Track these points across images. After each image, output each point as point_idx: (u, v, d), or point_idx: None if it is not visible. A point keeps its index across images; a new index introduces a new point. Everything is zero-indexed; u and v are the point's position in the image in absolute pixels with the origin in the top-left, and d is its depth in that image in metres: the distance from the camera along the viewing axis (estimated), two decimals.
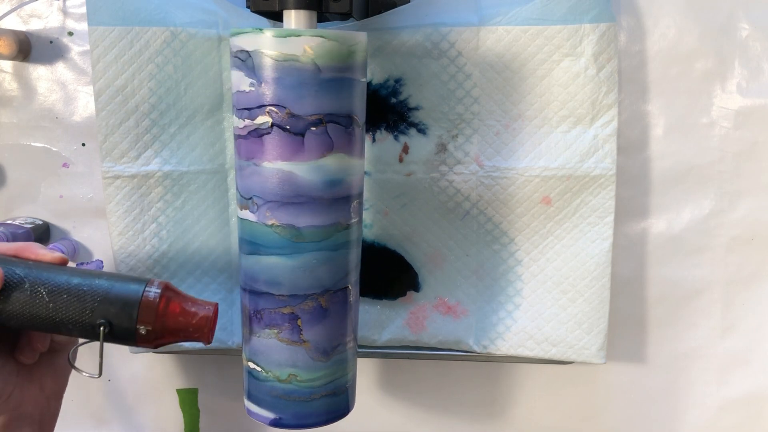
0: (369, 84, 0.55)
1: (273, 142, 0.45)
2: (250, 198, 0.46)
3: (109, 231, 0.57)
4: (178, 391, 0.65)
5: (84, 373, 0.45)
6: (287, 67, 0.44)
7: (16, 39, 0.56)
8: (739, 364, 0.61)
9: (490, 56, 0.54)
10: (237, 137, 0.47)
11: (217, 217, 0.58)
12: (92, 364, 0.48)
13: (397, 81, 0.55)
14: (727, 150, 0.58)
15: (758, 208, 0.58)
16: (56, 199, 0.60)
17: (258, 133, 0.45)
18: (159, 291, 0.43)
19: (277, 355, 0.48)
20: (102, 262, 0.61)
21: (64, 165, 0.60)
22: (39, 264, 0.43)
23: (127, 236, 0.57)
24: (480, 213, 0.57)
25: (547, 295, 0.58)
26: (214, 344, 0.59)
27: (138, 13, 0.53)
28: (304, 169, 0.45)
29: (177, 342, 0.44)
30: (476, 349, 0.59)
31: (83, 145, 0.60)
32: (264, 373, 0.49)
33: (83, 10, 0.56)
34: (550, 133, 0.55)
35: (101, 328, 0.42)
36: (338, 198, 0.47)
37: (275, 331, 0.48)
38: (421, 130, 0.56)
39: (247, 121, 0.45)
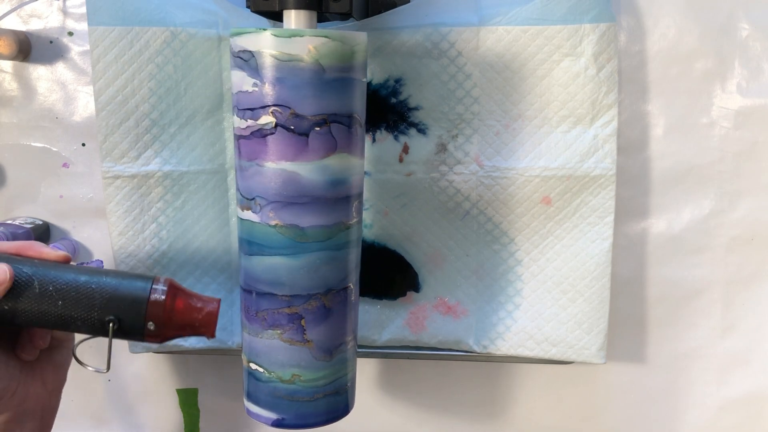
0: (369, 84, 0.55)
1: (277, 142, 0.45)
2: (253, 198, 0.46)
3: (109, 231, 0.57)
4: (178, 391, 0.65)
5: (90, 368, 0.46)
6: (291, 68, 0.44)
7: (16, 39, 0.56)
8: (739, 364, 0.61)
9: (490, 56, 0.54)
10: (238, 138, 0.47)
11: (217, 217, 0.58)
12: (92, 359, 0.48)
13: (397, 81, 0.55)
14: (727, 150, 0.58)
15: (758, 208, 0.58)
16: (56, 199, 0.60)
17: (261, 134, 0.45)
18: (165, 288, 0.44)
19: (281, 355, 0.48)
20: (102, 261, 0.61)
21: (64, 165, 0.60)
22: (44, 262, 0.44)
23: (127, 236, 0.57)
24: (480, 213, 0.57)
25: (547, 295, 0.58)
26: (214, 344, 0.59)
27: (138, 13, 0.53)
28: (308, 169, 0.45)
29: (183, 336, 0.45)
30: (476, 349, 0.59)
31: (83, 145, 0.60)
32: (267, 374, 0.49)
33: (83, 10, 0.56)
34: (550, 133, 0.55)
35: (110, 325, 0.42)
36: (341, 198, 0.47)
37: (278, 331, 0.48)
38: (421, 130, 0.56)
39: (250, 122, 0.45)
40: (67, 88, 0.59)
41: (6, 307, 0.42)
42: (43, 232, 0.60)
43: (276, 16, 0.48)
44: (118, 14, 0.53)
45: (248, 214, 0.47)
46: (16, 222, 0.59)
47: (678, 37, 0.56)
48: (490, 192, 0.56)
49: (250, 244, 0.47)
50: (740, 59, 0.56)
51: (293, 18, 0.46)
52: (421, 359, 0.62)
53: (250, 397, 0.51)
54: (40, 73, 0.59)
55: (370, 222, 0.58)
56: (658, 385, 0.63)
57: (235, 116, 0.46)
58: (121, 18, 0.53)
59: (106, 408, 0.65)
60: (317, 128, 0.45)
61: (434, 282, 0.59)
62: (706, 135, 0.57)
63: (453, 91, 0.55)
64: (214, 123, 0.56)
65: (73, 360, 0.47)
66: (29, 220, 0.60)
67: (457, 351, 0.60)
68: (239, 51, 0.45)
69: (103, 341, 0.43)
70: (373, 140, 0.56)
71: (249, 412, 0.51)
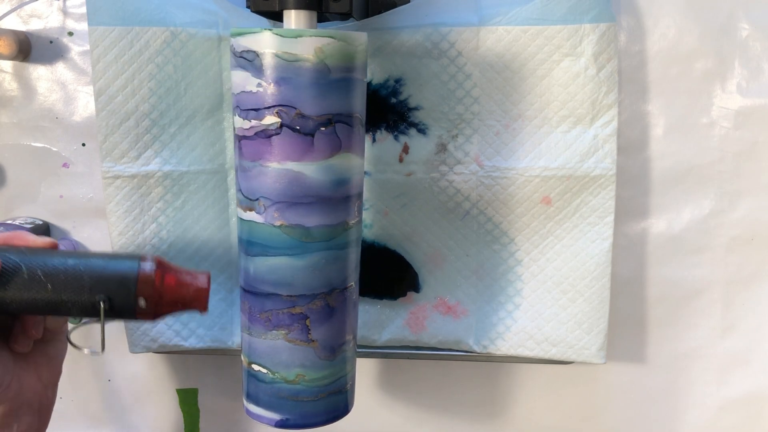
0: (369, 84, 0.55)
1: (282, 142, 0.45)
2: (256, 199, 0.46)
3: (109, 231, 0.57)
4: (178, 391, 0.65)
5: (85, 350, 0.46)
6: (297, 68, 0.44)
7: (16, 39, 0.56)
8: (739, 364, 0.61)
9: (490, 56, 0.54)
10: (241, 138, 0.46)
11: (217, 217, 0.58)
12: (87, 359, 0.48)
13: (397, 81, 0.55)
14: (727, 150, 0.58)
15: (758, 208, 0.58)
16: (56, 199, 0.60)
17: (266, 134, 0.45)
18: (154, 264, 0.44)
19: (285, 356, 0.48)
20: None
21: (64, 165, 0.60)
22: (31, 249, 0.44)
23: (127, 236, 0.57)
24: (480, 213, 0.57)
25: (547, 295, 0.58)
26: (214, 344, 0.59)
27: (138, 13, 0.53)
28: (313, 169, 0.45)
29: (174, 312, 0.45)
30: (476, 349, 0.59)
31: (83, 145, 0.60)
32: (270, 375, 0.49)
33: (83, 10, 0.56)
34: (550, 133, 0.55)
35: (101, 304, 0.42)
36: (345, 197, 0.47)
37: (283, 332, 0.48)
38: (421, 130, 0.56)
39: (254, 122, 0.45)
40: (67, 88, 0.59)
41: None
42: (43, 232, 0.60)
43: (276, 16, 0.48)
44: (118, 14, 0.53)
45: (251, 215, 0.47)
46: (16, 222, 0.59)
47: (678, 37, 0.56)
48: (490, 192, 0.56)
49: (253, 244, 0.47)
50: (740, 59, 0.56)
51: (293, 18, 0.46)
52: (421, 359, 0.62)
53: (252, 399, 0.50)
54: (40, 73, 0.59)
55: (370, 222, 0.58)
56: (658, 385, 0.63)
57: (237, 116, 0.46)
58: (121, 18, 0.53)
59: (105, 408, 0.65)
60: (322, 128, 0.45)
61: (434, 282, 0.59)
62: (706, 135, 0.57)
63: (453, 91, 0.55)
64: (214, 123, 0.56)
65: (69, 358, 0.47)
66: (29, 220, 0.60)
67: (457, 351, 0.60)
68: (242, 51, 0.45)
69: (96, 333, 0.43)
70: (373, 140, 0.56)
71: (250, 413, 0.51)
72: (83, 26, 0.57)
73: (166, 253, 0.57)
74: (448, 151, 0.56)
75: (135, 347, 0.59)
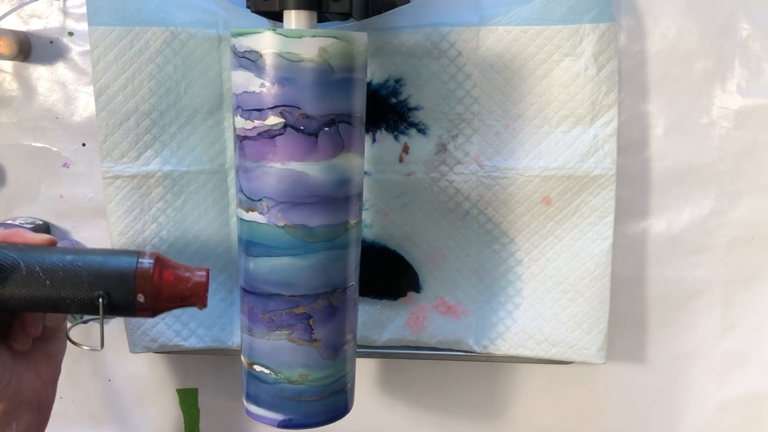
0: (369, 84, 0.55)
1: (285, 142, 0.45)
2: (259, 200, 0.46)
3: (109, 231, 0.57)
4: (178, 391, 0.65)
5: (85, 347, 0.46)
6: (302, 68, 0.44)
7: (16, 39, 0.56)
8: (739, 364, 0.61)
9: (490, 56, 0.54)
10: (243, 138, 0.46)
11: (217, 218, 0.58)
12: (86, 358, 0.48)
13: (397, 81, 0.55)
14: (727, 150, 0.58)
15: (758, 208, 0.58)
16: (56, 199, 0.60)
17: (269, 134, 0.45)
18: (152, 260, 0.44)
19: (288, 356, 0.48)
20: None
21: (64, 165, 0.60)
22: (30, 246, 0.43)
23: (128, 236, 0.57)
24: (480, 213, 0.57)
25: (547, 295, 0.58)
26: (214, 344, 0.59)
27: (138, 13, 0.53)
28: (317, 169, 0.45)
29: (174, 308, 0.45)
30: (476, 349, 0.59)
31: (83, 145, 0.60)
32: (273, 376, 0.49)
33: (83, 10, 0.56)
34: (550, 133, 0.55)
35: (100, 300, 0.42)
36: (346, 197, 0.47)
37: (286, 332, 0.48)
38: (421, 130, 0.56)
39: (257, 122, 0.45)
40: (67, 88, 0.59)
41: None
42: (43, 232, 0.60)
43: (276, 17, 0.48)
44: (118, 14, 0.53)
45: (253, 216, 0.47)
46: (16, 222, 0.59)
47: (678, 37, 0.56)
48: (490, 192, 0.56)
49: (255, 245, 0.47)
50: (740, 59, 0.56)
51: (293, 18, 0.46)
52: (421, 359, 0.62)
53: (253, 399, 0.50)
54: (40, 73, 0.59)
55: (370, 222, 0.58)
56: (658, 385, 0.63)
57: (239, 117, 0.46)
58: (122, 18, 0.53)
59: (105, 408, 0.65)
60: (326, 128, 0.45)
61: (434, 282, 0.59)
62: (706, 135, 0.57)
63: (453, 91, 0.55)
64: (214, 123, 0.56)
65: (69, 358, 0.47)
66: (29, 220, 0.60)
67: (457, 351, 0.60)
68: (245, 51, 0.44)
69: (95, 331, 0.43)
70: (373, 140, 0.56)
71: (252, 414, 0.50)
72: (83, 26, 0.57)
73: (167, 253, 0.57)
74: (448, 151, 0.56)
75: (135, 347, 0.59)
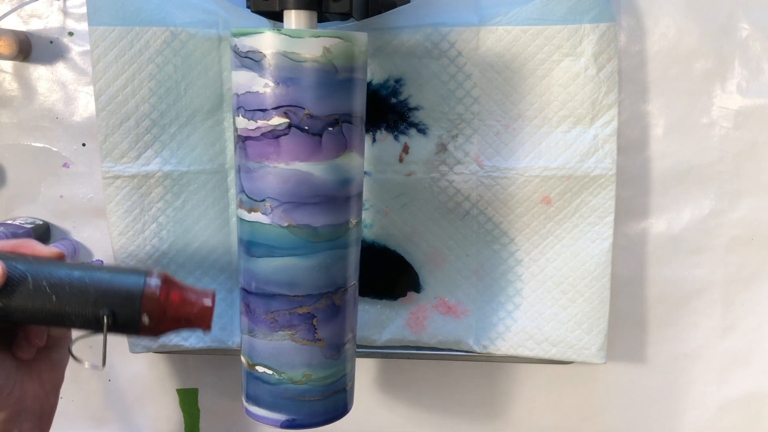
0: (369, 84, 0.55)
1: (290, 143, 0.45)
2: (263, 200, 0.46)
3: (109, 231, 0.57)
4: (178, 391, 0.65)
5: (86, 364, 0.45)
6: (307, 68, 0.44)
7: (16, 39, 0.56)
8: (739, 364, 0.61)
9: (490, 56, 0.54)
10: (245, 139, 0.46)
11: (217, 217, 0.58)
12: (90, 358, 0.48)
13: (397, 81, 0.55)
14: (727, 150, 0.58)
15: (758, 208, 0.58)
16: (56, 199, 0.60)
17: (273, 135, 0.45)
18: (159, 281, 0.44)
19: (291, 356, 0.48)
20: (102, 261, 0.61)
21: (64, 165, 0.60)
22: (38, 259, 0.43)
23: (128, 236, 0.57)
24: (480, 213, 0.57)
25: (547, 295, 0.58)
26: (213, 344, 0.59)
27: (138, 13, 0.53)
28: (321, 169, 0.45)
29: (178, 330, 0.45)
30: (476, 349, 0.59)
31: (83, 145, 0.60)
32: (276, 376, 0.48)
33: (83, 10, 0.56)
34: (550, 133, 0.55)
35: (105, 319, 0.42)
36: (350, 196, 0.48)
37: (290, 332, 0.48)
38: (421, 130, 0.56)
39: (261, 122, 0.45)
40: (67, 88, 0.59)
41: (0, 304, 0.42)
42: (43, 232, 0.60)
43: (276, 17, 0.48)
44: (118, 14, 0.53)
45: (256, 216, 0.46)
46: (16, 222, 0.59)
47: (678, 37, 0.56)
48: (490, 192, 0.56)
49: (258, 245, 0.47)
50: (740, 59, 0.56)
51: (293, 18, 0.45)
52: (421, 359, 0.62)
53: (254, 400, 0.50)
54: (40, 73, 0.59)
55: (370, 222, 0.58)
56: (658, 385, 0.63)
57: (241, 117, 0.46)
58: (122, 18, 0.53)
59: (105, 408, 0.65)
60: (330, 128, 0.45)
61: (434, 282, 0.59)
62: (706, 135, 0.57)
63: (453, 91, 0.55)
64: (214, 123, 0.56)
65: (71, 359, 0.47)
66: (29, 220, 0.60)
67: (457, 351, 0.60)
68: (248, 51, 0.44)
69: (99, 341, 0.43)
70: (373, 140, 0.56)
71: (253, 415, 0.50)
72: (83, 26, 0.57)
73: (167, 253, 0.57)
74: (448, 151, 0.56)
75: (135, 347, 0.59)
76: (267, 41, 0.44)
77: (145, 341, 0.58)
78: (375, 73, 0.55)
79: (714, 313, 0.61)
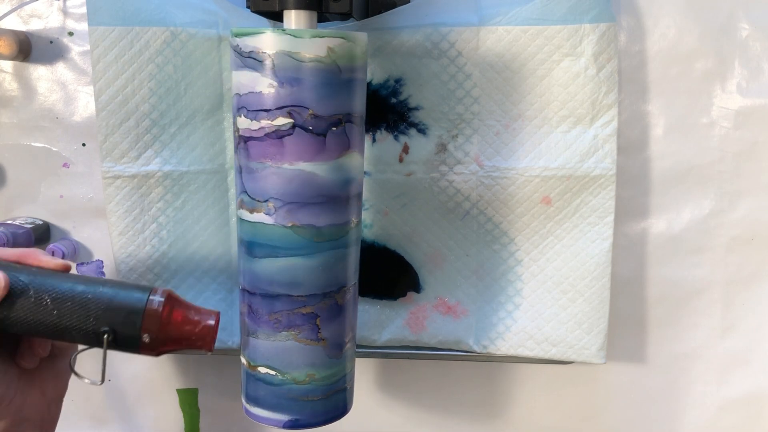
0: (369, 84, 0.55)
1: (294, 143, 0.45)
2: (266, 200, 0.46)
3: (109, 231, 0.57)
4: (178, 391, 0.65)
5: (86, 380, 0.44)
6: (312, 68, 0.44)
7: (16, 39, 0.56)
8: (739, 364, 0.61)
9: (490, 56, 0.54)
10: (247, 139, 0.46)
11: (217, 217, 0.58)
12: (92, 368, 0.47)
13: (397, 81, 0.55)
14: (727, 150, 0.58)
15: (758, 208, 0.58)
16: (56, 199, 0.60)
17: (277, 135, 0.45)
18: (162, 299, 0.43)
19: (295, 356, 0.48)
20: (102, 262, 0.61)
21: (64, 165, 0.60)
22: (43, 271, 0.43)
23: (128, 236, 0.57)
24: (480, 213, 0.57)
25: (547, 295, 0.58)
26: None
27: (138, 13, 0.53)
28: (325, 169, 0.45)
29: (179, 350, 0.44)
30: (476, 349, 0.59)
31: (83, 145, 0.60)
32: (280, 377, 0.48)
33: (83, 10, 0.56)
34: (550, 133, 0.55)
35: (105, 336, 0.42)
36: (351, 196, 0.48)
37: (294, 332, 0.48)
38: (421, 130, 0.56)
39: (264, 123, 0.45)
40: (67, 88, 0.59)
41: (0, 316, 0.41)
42: (43, 232, 0.60)
43: (276, 16, 0.48)
44: (118, 14, 0.53)
45: (259, 216, 0.46)
46: (16, 222, 0.59)
47: (678, 37, 0.56)
48: (490, 192, 0.56)
49: (260, 246, 0.47)
50: (740, 59, 0.56)
51: (293, 18, 0.45)
52: (421, 359, 0.62)
53: (256, 402, 0.50)
54: (40, 73, 0.59)
55: (370, 222, 0.58)
56: (658, 385, 0.63)
57: (243, 117, 0.46)
58: (122, 18, 0.53)
59: (106, 408, 0.65)
60: (333, 128, 0.45)
61: (434, 282, 0.59)
62: (706, 135, 0.57)
63: (453, 91, 0.55)
64: (214, 123, 0.56)
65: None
66: (29, 220, 0.60)
67: (457, 351, 0.60)
68: (251, 51, 0.44)
69: (102, 351, 0.43)
70: (373, 140, 0.56)
71: (255, 416, 0.50)
72: (83, 26, 0.57)
73: (166, 253, 0.57)
74: (448, 151, 0.56)
75: None
76: (271, 41, 0.43)
77: None
78: (375, 73, 0.55)
79: (714, 313, 0.61)
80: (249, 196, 0.47)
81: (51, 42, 0.58)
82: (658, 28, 0.56)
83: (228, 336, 0.59)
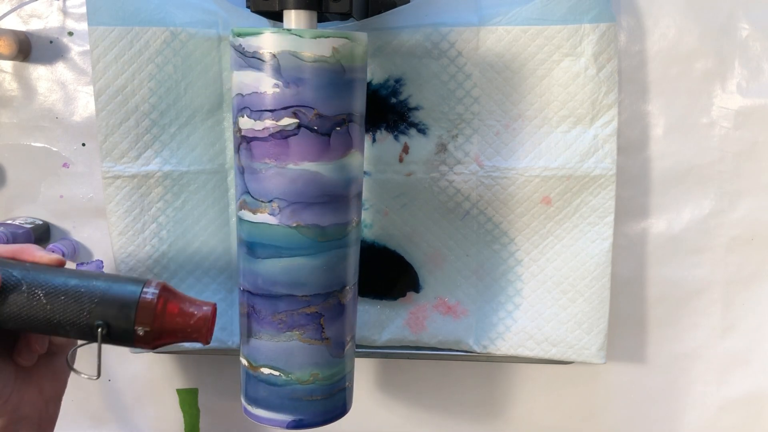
0: (369, 84, 0.55)
1: (299, 143, 0.45)
2: (270, 201, 0.46)
3: (109, 231, 0.57)
4: (178, 391, 0.65)
5: (83, 375, 0.45)
6: (317, 68, 0.44)
7: (16, 39, 0.56)
8: (739, 364, 0.61)
9: (490, 56, 0.54)
10: (250, 140, 0.45)
11: (217, 217, 0.58)
12: (91, 365, 0.47)
13: (397, 81, 0.55)
14: (727, 150, 0.58)
15: (758, 208, 0.58)
16: (56, 199, 0.60)
17: (282, 135, 0.45)
18: (156, 291, 0.43)
19: (300, 356, 0.48)
20: (102, 262, 0.61)
21: (64, 165, 0.60)
22: (36, 266, 0.43)
23: (127, 236, 0.57)
24: (480, 213, 0.57)
25: (547, 295, 0.58)
26: (213, 344, 0.59)
27: (138, 13, 0.53)
28: (329, 169, 0.45)
29: (175, 342, 0.44)
30: (476, 349, 0.59)
31: (83, 145, 0.60)
32: (284, 377, 0.48)
33: (83, 10, 0.56)
34: (550, 133, 0.55)
35: (99, 330, 0.41)
36: (353, 195, 0.48)
37: (298, 332, 0.48)
38: (421, 130, 0.56)
39: (269, 123, 0.45)
40: (67, 88, 0.59)
41: None
42: (43, 232, 0.60)
43: (276, 16, 0.48)
44: (118, 14, 0.53)
45: (263, 217, 0.46)
46: (16, 222, 0.59)
47: (678, 37, 0.56)
48: (490, 192, 0.56)
49: (263, 247, 0.47)
50: (740, 59, 0.56)
51: (293, 18, 0.45)
52: (421, 359, 0.62)
53: (257, 402, 0.50)
54: (40, 73, 0.59)
55: (370, 222, 0.58)
56: (658, 385, 0.63)
57: (246, 117, 0.45)
58: (121, 18, 0.53)
59: (106, 408, 0.65)
60: (338, 128, 0.45)
61: (434, 282, 0.59)
62: (706, 135, 0.57)
63: (453, 91, 0.55)
64: (214, 123, 0.56)
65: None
66: (29, 220, 0.60)
67: (457, 351, 0.60)
68: (254, 51, 0.44)
69: (105, 348, 0.43)
70: (373, 140, 0.56)
71: (257, 418, 0.50)
72: (83, 26, 0.57)
73: (166, 253, 0.57)
74: (448, 151, 0.56)
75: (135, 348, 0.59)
76: (275, 41, 0.43)
77: None
78: (375, 73, 0.55)
79: (714, 313, 0.61)
80: (252, 196, 0.46)
81: (51, 42, 0.58)
82: (658, 28, 0.56)
83: (228, 336, 0.59)
